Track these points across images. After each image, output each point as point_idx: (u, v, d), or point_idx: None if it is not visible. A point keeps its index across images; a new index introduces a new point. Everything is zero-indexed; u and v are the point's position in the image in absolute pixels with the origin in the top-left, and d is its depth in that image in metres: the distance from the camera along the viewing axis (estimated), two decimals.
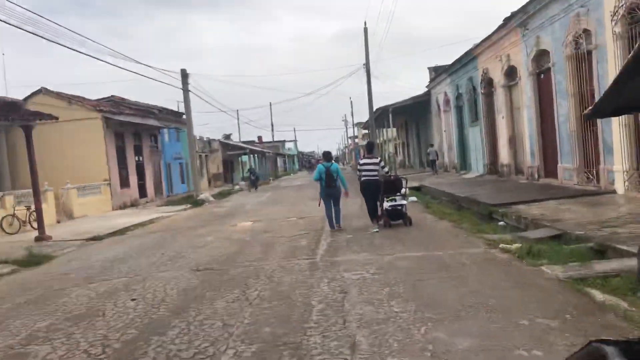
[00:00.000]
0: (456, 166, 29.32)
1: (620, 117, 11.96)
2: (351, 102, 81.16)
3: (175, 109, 40.16)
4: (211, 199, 26.54)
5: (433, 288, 5.88)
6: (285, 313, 5.35)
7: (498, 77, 21.20)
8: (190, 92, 26.57)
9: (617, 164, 12.43)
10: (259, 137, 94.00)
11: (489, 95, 22.98)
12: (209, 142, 47.87)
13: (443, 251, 7.98)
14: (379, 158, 12.16)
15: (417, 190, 22.27)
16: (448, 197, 17.86)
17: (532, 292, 5.31)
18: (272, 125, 66.06)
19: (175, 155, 37.48)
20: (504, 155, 21.43)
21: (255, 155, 59.05)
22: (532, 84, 17.72)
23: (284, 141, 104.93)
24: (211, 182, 46.87)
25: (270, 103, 65.77)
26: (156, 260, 9.59)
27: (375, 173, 11.33)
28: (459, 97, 27.88)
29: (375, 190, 11.25)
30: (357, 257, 8.15)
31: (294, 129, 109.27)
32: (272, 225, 13.59)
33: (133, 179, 29.35)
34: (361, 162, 11.96)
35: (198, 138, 45.08)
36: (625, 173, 12.12)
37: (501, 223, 11.73)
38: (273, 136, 70.33)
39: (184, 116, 40.61)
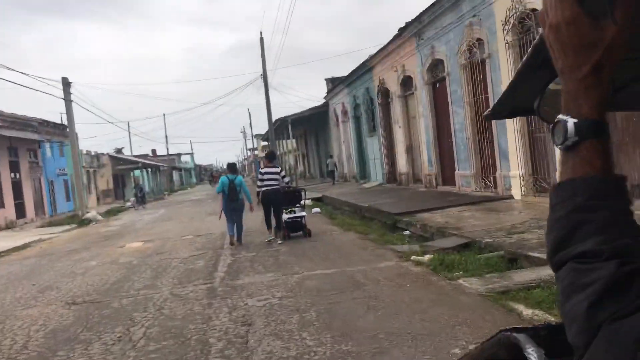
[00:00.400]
0: (356, 176, 29.41)
1: (515, 124, 12.26)
2: (249, 113, 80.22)
3: (58, 121, 36.96)
4: (99, 217, 24.42)
5: (349, 312, 5.25)
6: (176, 356, 4.44)
7: (394, 88, 21.40)
8: (73, 103, 24.33)
9: (514, 170, 12.69)
10: (153, 151, 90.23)
11: (386, 105, 23.18)
12: (97, 156, 44.77)
13: (354, 267, 7.43)
14: (280, 168, 11.89)
15: (319, 201, 21.88)
16: (351, 207, 17.56)
17: (456, 312, 4.84)
18: (167, 137, 63.35)
19: (59, 171, 34.45)
20: (402, 164, 21.64)
21: (149, 169, 56.22)
22: (427, 94, 17.96)
23: (180, 154, 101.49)
24: (100, 199, 43.75)
25: (164, 114, 62.98)
26: (24, 294, 8.15)
27: (277, 183, 10.99)
28: (356, 107, 28.02)
29: (276, 201, 10.93)
30: (261, 279, 7.36)
31: (190, 141, 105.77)
32: (166, 246, 12.40)
33: (8, 199, 26.39)
34: (262, 171, 11.52)
35: (85, 152, 41.96)
36: (521, 178, 12.38)
37: (407, 232, 11.48)
38: (167, 149, 67.50)
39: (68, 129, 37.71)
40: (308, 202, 20.13)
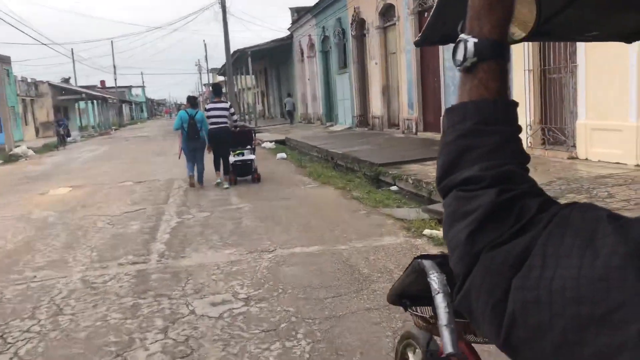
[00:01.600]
0: (321, 117, 27.11)
1: (526, 61, 10.27)
2: (205, 44, 74.74)
3: None
4: (31, 153, 21.43)
5: (365, 342, 3.17)
6: None
7: (372, 18, 18.91)
8: None
9: (519, 116, 10.72)
10: (102, 82, 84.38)
11: (361, 38, 20.71)
12: (35, 84, 40.53)
13: (348, 244, 5.35)
14: (229, 103, 10.70)
15: (282, 144, 19.63)
16: (321, 153, 15.40)
17: None
18: (115, 67, 58.66)
19: None
20: (377, 106, 19.47)
21: (95, 101, 52.07)
22: (413, 25, 15.61)
23: (131, 87, 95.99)
24: (39, 132, 39.98)
25: (111, 41, 58.08)
26: None
27: (225, 120, 9.88)
28: (325, 41, 25.37)
29: (224, 140, 9.90)
30: (216, 258, 5.21)
31: (142, 73, 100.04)
32: (97, 195, 10.00)
33: None
34: (207, 107, 10.22)
35: (20, 79, 37.80)
36: (528, 127, 10.45)
37: (394, 188, 9.50)
38: (115, 80, 62.84)
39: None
40: (270, 145, 17.91)
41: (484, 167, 0.61)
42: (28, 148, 21.99)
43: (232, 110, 10.33)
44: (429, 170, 9.60)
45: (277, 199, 8.33)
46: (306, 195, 8.54)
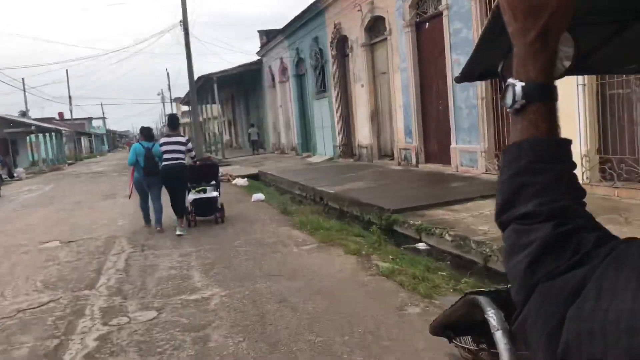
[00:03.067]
0: (296, 148, 24.51)
1: (584, 77, 7.88)
2: (167, 73, 71.89)
3: None
4: None
5: None
6: None
7: (356, 34, 16.56)
8: None
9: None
10: (60, 114, 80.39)
11: (342, 58, 18.33)
12: None
13: None
14: (186, 137, 9.46)
15: (254, 178, 16.88)
16: (305, 191, 12.72)
17: None
18: (70, 97, 55.18)
19: None
20: (364, 134, 16.98)
21: (51, 134, 48.32)
22: (409, 38, 13.26)
23: (91, 118, 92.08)
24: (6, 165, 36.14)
25: (66, 70, 54.72)
26: None
27: (180, 156, 8.62)
28: (299, 63, 22.95)
29: (179, 178, 8.64)
30: None
31: (102, 104, 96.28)
32: (3, 265, 7.07)
33: None
34: (161, 141, 8.81)
35: None
36: (583, 158, 8.01)
37: (421, 245, 6.91)
38: (71, 111, 59.30)
39: None
40: (242, 181, 15.14)
41: (539, 203, 0.63)
42: None
43: (190, 145, 8.87)
44: (467, 220, 7.02)
45: (263, 276, 5.56)
46: (306, 269, 5.79)
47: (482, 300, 0.99)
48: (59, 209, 12.86)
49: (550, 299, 0.58)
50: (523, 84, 0.67)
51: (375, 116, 16.21)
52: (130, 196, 9.37)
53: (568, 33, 0.80)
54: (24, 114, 72.07)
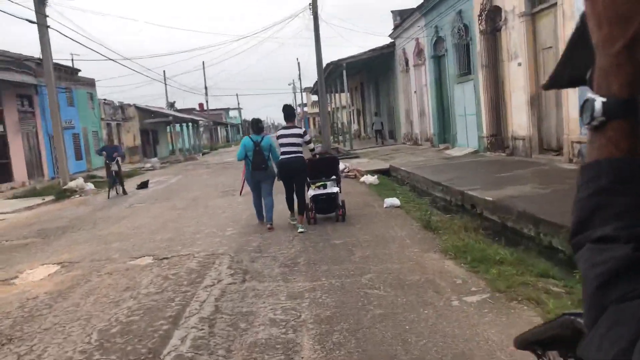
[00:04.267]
0: (431, 138, 21.92)
1: None
2: (298, 63, 71.94)
3: (67, 63, 30.83)
4: (89, 187, 18.10)
5: None
6: None
7: (513, 2, 13.62)
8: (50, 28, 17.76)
9: None
10: (200, 105, 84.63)
11: (493, 33, 15.43)
12: (122, 107, 38.74)
13: None
14: (303, 128, 8.87)
15: (385, 174, 14.75)
16: (450, 195, 10.32)
17: None
18: (206, 88, 56.87)
19: (65, 123, 28.38)
20: (520, 123, 14.02)
21: (188, 124, 50.16)
22: None
23: (228, 109, 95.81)
24: (126, 157, 38.00)
25: (203, 62, 56.52)
26: None
27: (298, 149, 8.10)
28: (437, 43, 20.28)
29: (298, 172, 8.14)
30: None
31: (237, 94, 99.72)
32: (75, 292, 5.71)
33: None
34: (277, 133, 8.36)
35: (104, 101, 36.02)
36: None
37: None
38: (207, 102, 61.25)
39: (80, 73, 31.55)
40: (372, 179, 13.04)
41: (618, 227, 0.60)
42: (86, 181, 18.73)
43: (308, 137, 8.36)
44: None
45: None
46: (484, 352, 3.51)
47: (581, 323, 0.82)
48: (172, 207, 11.74)
49: (622, 321, 0.54)
50: (604, 99, 0.61)
51: (536, 101, 13.20)
52: (241, 192, 8.71)
53: None
54: (171, 105, 76.50)
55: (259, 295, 5.10)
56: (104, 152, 15.70)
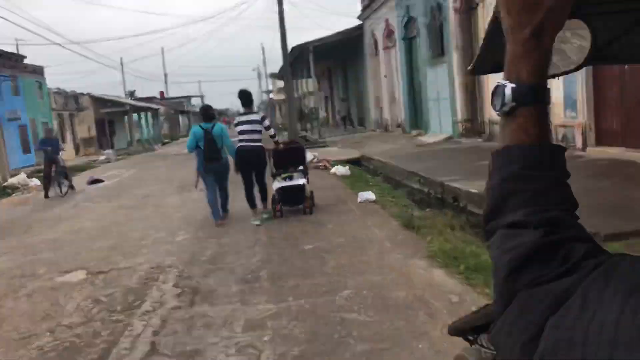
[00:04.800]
0: (402, 124, 21.06)
1: None
2: (263, 48, 69.84)
3: (10, 49, 28.72)
4: (33, 183, 16.51)
5: None
6: None
7: None
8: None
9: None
10: (161, 93, 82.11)
11: (468, 12, 14.57)
12: (75, 96, 36.70)
13: None
14: (261, 114, 8.23)
15: (356, 164, 13.82)
16: (429, 187, 9.42)
17: None
18: (166, 75, 54.99)
19: (9, 114, 26.46)
20: None
21: (147, 113, 48.23)
22: None
23: (190, 97, 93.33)
24: (80, 149, 36.08)
25: (162, 48, 54.51)
26: None
27: (257, 137, 7.52)
28: (409, 24, 19.35)
29: (258, 162, 7.57)
30: None
31: (199, 81, 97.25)
32: None
33: None
34: (235, 121, 7.93)
35: (55, 90, 33.96)
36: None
37: None
38: (167, 89, 59.38)
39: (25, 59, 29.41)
40: (343, 170, 12.05)
41: (528, 212, 0.60)
42: (31, 177, 17.18)
43: (267, 122, 7.80)
44: None
45: None
46: None
47: None
48: (120, 206, 10.51)
49: (531, 306, 0.54)
50: (513, 85, 0.62)
51: None
52: (196, 185, 8.23)
53: (585, 24, 0.77)
54: (131, 94, 73.76)
55: (210, 325, 4.03)
56: (47, 148, 13.96)
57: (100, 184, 15.73)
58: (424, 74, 18.23)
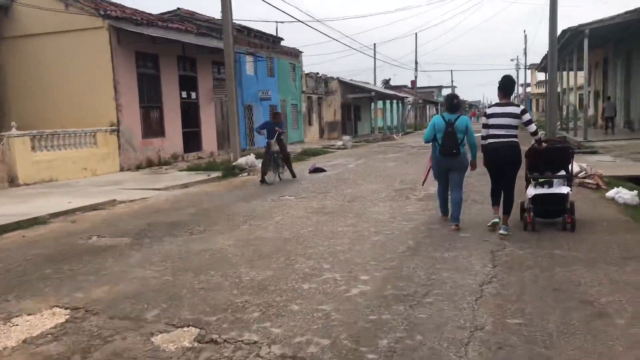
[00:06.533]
0: None
1: None
2: (525, 35, 62.72)
3: (269, 31, 29.92)
4: (257, 164, 16.03)
5: None
6: None
7: None
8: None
9: None
10: (412, 82, 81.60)
11: None
12: (325, 80, 37.29)
13: None
14: (521, 107, 6.82)
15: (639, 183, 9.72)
16: None
17: None
18: (417, 64, 53.21)
19: (262, 94, 27.55)
20: None
21: (392, 102, 47.38)
22: None
23: (441, 87, 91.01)
24: (324, 133, 36.64)
25: (415, 34, 52.85)
26: None
27: (513, 132, 6.49)
28: None
29: (511, 162, 6.52)
30: None
31: (451, 71, 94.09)
32: None
33: (173, 125, 20.11)
34: (488, 112, 6.70)
35: (307, 74, 34.81)
36: None
37: None
38: (416, 78, 57.57)
39: (283, 41, 30.42)
40: (628, 196, 8.26)
41: None
42: (257, 158, 16.82)
43: (528, 116, 6.40)
44: None
45: None
46: None
47: None
48: (319, 209, 8.67)
49: None
50: None
51: None
52: (424, 183, 8.09)
53: None
54: (386, 82, 74.70)
55: None
56: (263, 130, 13.26)
57: (321, 174, 14.48)
58: None
